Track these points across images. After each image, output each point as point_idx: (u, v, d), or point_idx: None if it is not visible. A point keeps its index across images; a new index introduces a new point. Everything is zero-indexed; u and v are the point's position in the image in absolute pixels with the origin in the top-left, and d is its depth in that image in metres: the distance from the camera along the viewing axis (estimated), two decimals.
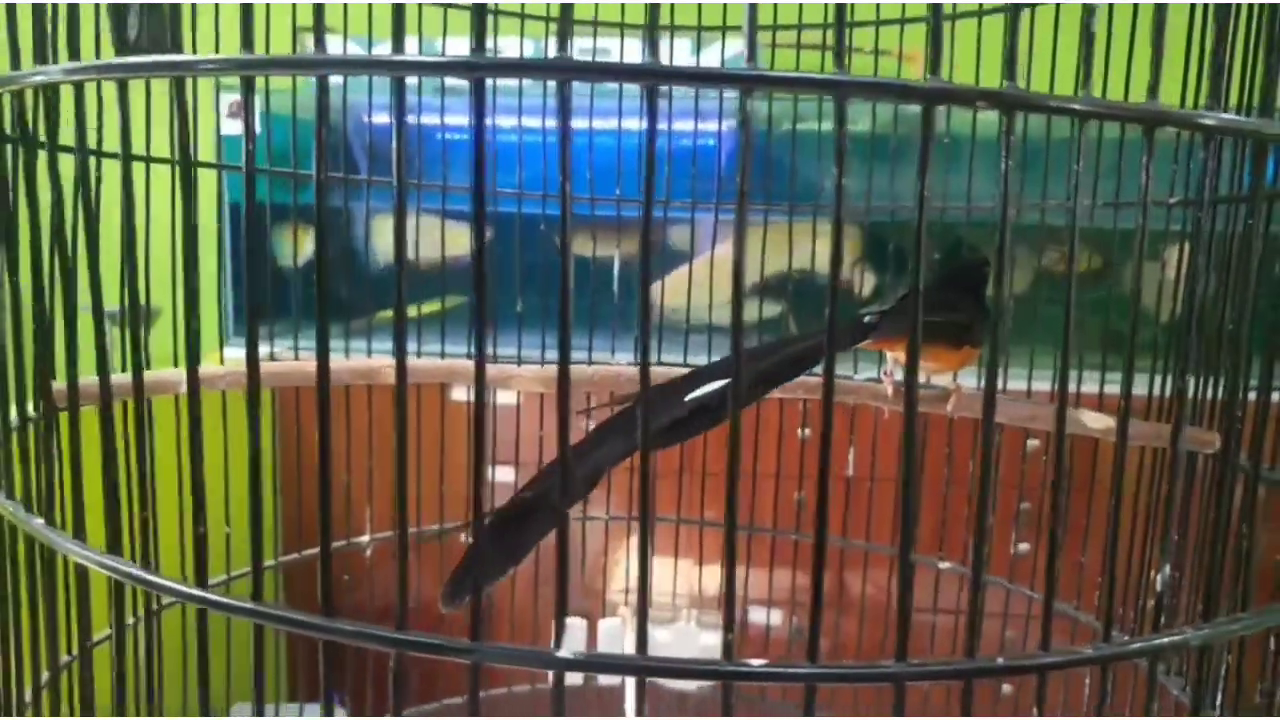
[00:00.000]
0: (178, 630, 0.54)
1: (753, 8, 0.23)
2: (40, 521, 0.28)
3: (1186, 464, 0.49)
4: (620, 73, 0.23)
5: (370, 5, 0.78)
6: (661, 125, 0.90)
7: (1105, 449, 0.50)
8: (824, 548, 0.23)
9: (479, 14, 0.23)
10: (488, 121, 0.84)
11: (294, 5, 0.71)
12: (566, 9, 0.22)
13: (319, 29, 0.23)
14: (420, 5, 0.76)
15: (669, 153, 0.86)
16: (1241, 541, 0.29)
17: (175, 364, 0.66)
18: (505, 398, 1.00)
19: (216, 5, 0.68)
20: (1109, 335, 0.67)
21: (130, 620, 0.53)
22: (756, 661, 0.22)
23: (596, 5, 0.81)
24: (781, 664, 0.23)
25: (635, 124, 0.88)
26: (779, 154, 0.93)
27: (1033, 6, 0.61)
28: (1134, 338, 0.25)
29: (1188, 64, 0.57)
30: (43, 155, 0.30)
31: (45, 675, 0.33)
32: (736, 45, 0.93)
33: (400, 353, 0.23)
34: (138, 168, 0.63)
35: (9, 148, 0.31)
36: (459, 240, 0.84)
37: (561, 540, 0.23)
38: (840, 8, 0.22)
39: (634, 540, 0.95)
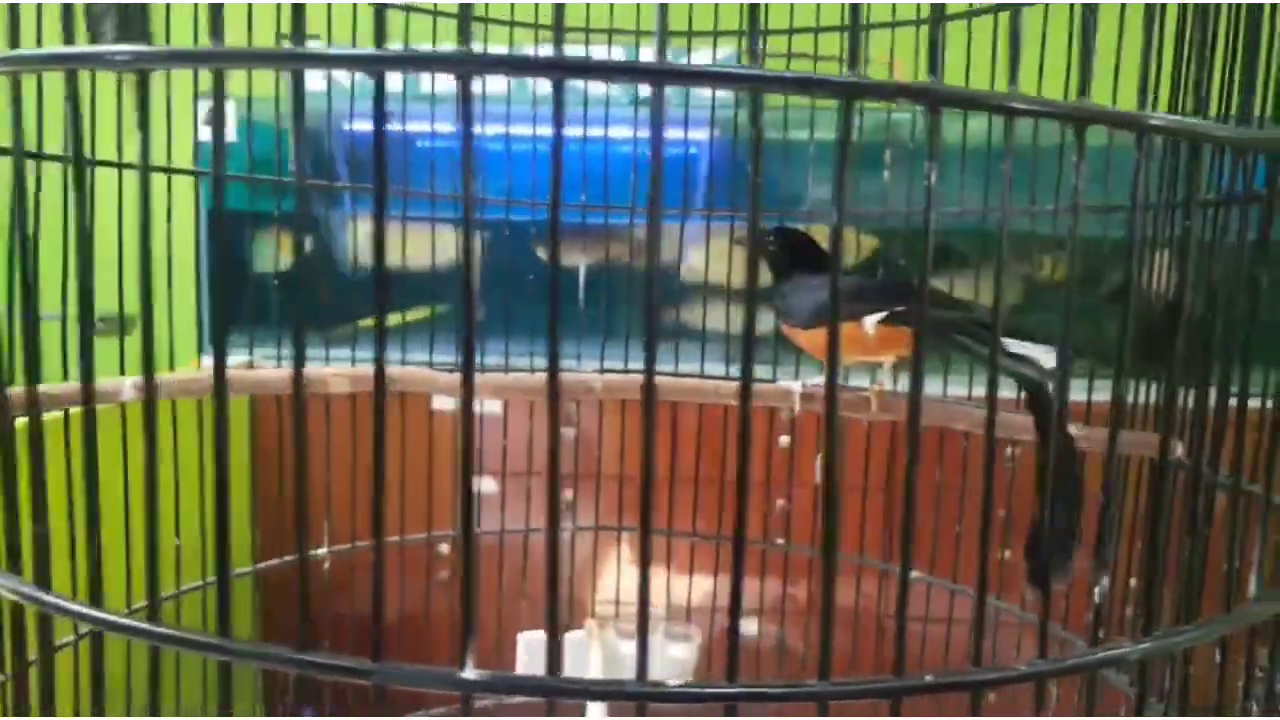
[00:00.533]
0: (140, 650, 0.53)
1: (663, 8, 0.22)
2: None
3: (1160, 474, 0.48)
4: (526, 66, 0.22)
5: (332, 4, 0.77)
6: (640, 133, 0.89)
7: (1091, 459, 0.48)
8: (743, 553, 0.22)
9: (379, 12, 0.23)
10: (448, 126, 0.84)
11: (248, 5, 0.70)
12: (465, 9, 0.22)
13: (216, 25, 0.22)
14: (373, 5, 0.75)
15: (634, 160, 0.86)
16: (1186, 550, 0.28)
17: (172, 369, 0.64)
18: (490, 407, 0.99)
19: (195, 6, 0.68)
20: (1091, 344, 0.66)
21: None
22: (672, 682, 0.21)
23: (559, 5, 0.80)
24: (700, 684, 0.22)
25: (601, 132, 0.88)
26: (769, 161, 0.93)
27: (1016, 7, 0.60)
28: (1068, 341, 0.24)
29: (1151, 67, 0.56)
30: None
31: None
32: (722, 51, 0.92)
33: (299, 360, 0.22)
34: (105, 174, 0.62)
35: None
36: (429, 247, 0.84)
37: (467, 553, 0.22)
38: (753, 8, 0.22)
39: (622, 550, 0.94)
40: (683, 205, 0.98)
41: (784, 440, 1.03)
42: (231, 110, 1.26)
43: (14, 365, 0.30)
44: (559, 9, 0.24)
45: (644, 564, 0.21)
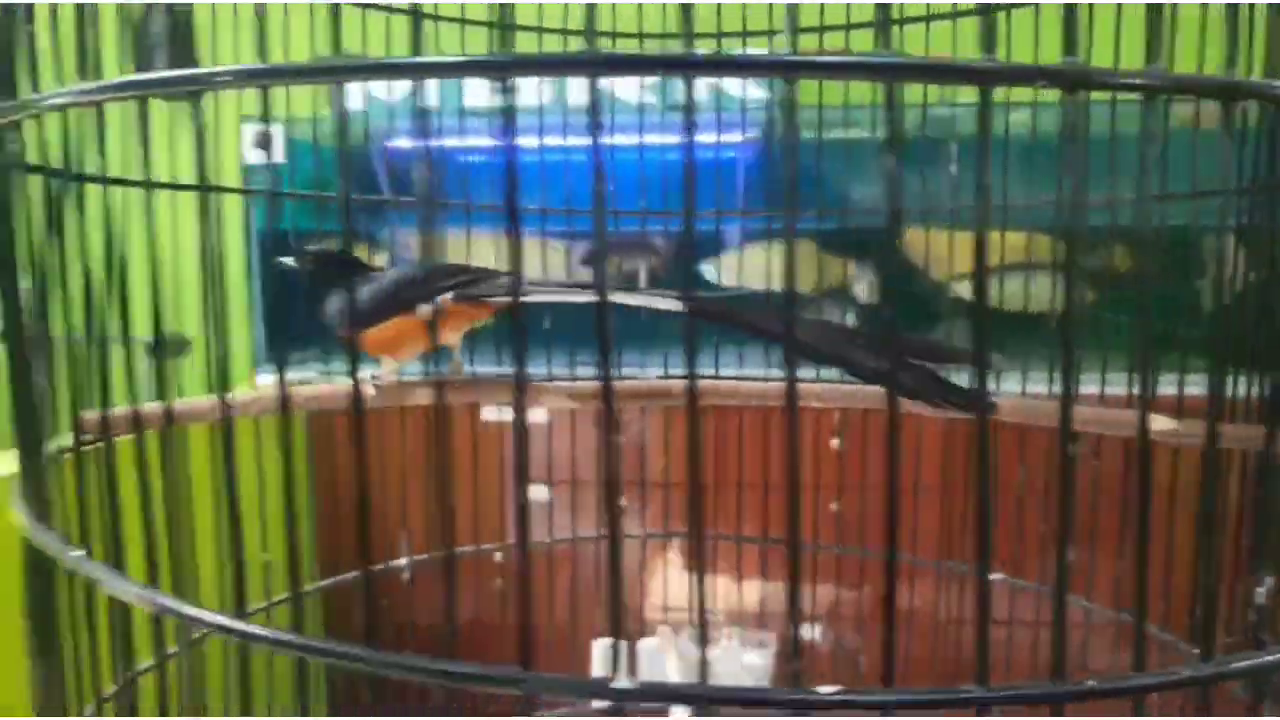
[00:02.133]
0: (218, 657, 0.53)
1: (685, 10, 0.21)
2: (80, 554, 0.27)
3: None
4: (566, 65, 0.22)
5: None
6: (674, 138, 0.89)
7: (1185, 455, 0.47)
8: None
9: (417, 21, 0.23)
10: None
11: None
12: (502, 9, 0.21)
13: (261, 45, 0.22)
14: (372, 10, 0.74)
15: (663, 165, 0.86)
16: None
17: (212, 389, 0.65)
18: (535, 415, 0.99)
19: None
20: (1167, 335, 0.64)
21: (171, 649, 0.52)
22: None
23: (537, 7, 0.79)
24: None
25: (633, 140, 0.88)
26: (806, 162, 0.92)
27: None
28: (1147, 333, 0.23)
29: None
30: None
31: (89, 706, 0.33)
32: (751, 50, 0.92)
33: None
34: (162, 194, 0.63)
35: (31, 178, 0.31)
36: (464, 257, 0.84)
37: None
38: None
39: (671, 556, 0.93)
40: (717, 208, 0.97)
41: (834, 443, 1.02)
42: (280, 132, 1.28)
43: (91, 387, 0.30)
44: (590, 10, 0.24)
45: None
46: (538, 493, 0.98)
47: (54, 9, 0.29)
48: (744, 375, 0.77)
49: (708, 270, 1.29)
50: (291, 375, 0.82)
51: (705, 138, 0.93)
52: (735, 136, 1.05)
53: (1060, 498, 0.23)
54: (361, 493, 0.22)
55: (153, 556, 0.25)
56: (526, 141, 0.85)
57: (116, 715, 0.34)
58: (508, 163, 0.22)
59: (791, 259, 0.21)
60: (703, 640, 0.22)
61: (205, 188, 0.24)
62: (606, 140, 0.86)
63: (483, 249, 0.82)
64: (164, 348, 0.29)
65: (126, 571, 0.27)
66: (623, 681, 0.21)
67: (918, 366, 0.44)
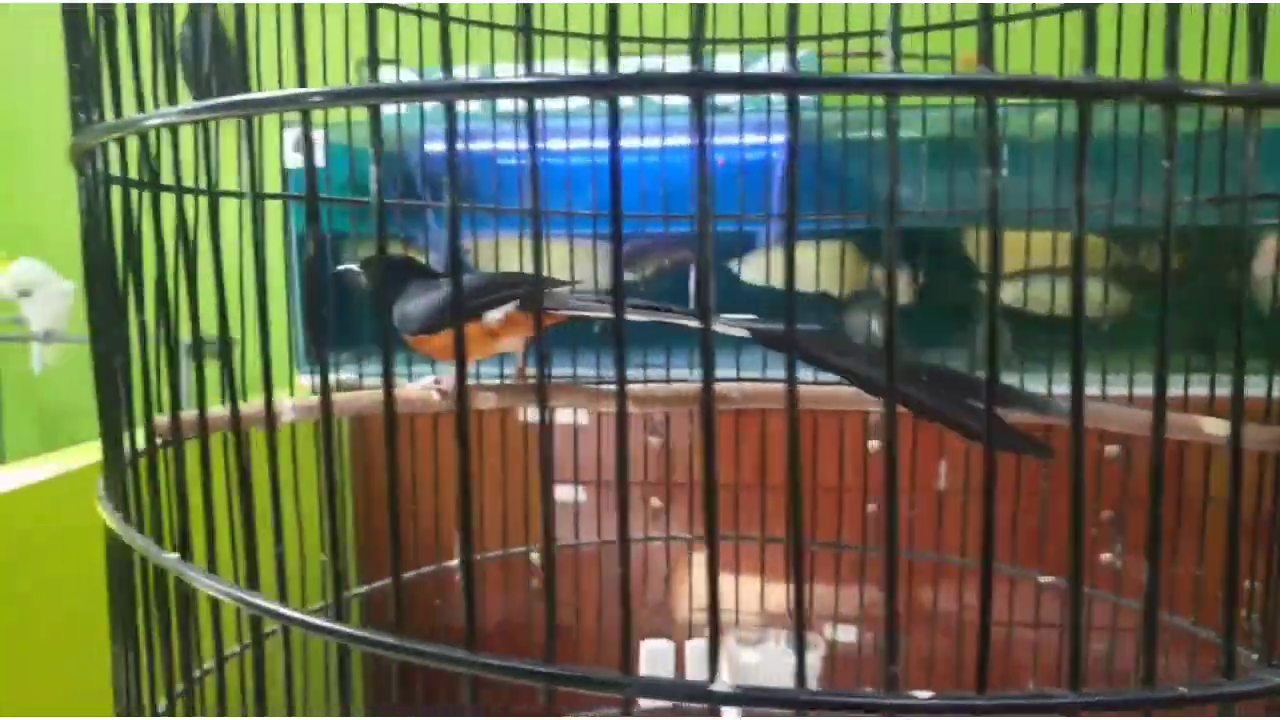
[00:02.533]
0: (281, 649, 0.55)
1: (793, 8, 0.22)
2: (174, 557, 0.28)
3: None
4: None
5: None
6: (728, 140, 0.89)
7: (1223, 456, 0.46)
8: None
9: (528, 36, 0.23)
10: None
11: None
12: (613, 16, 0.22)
13: (374, 62, 0.23)
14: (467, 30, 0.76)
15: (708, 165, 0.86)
16: None
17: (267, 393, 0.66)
18: (580, 419, 1.00)
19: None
20: (1206, 336, 0.63)
21: (233, 648, 0.54)
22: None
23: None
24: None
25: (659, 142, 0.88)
26: (831, 162, 0.92)
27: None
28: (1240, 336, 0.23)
29: None
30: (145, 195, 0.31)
31: (178, 687, 0.34)
32: (780, 60, 0.92)
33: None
34: (228, 204, 0.64)
35: (132, 191, 0.32)
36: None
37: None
38: (896, 8, 0.21)
39: (700, 558, 0.94)
40: (763, 211, 0.97)
41: (874, 445, 1.02)
42: (320, 137, 1.30)
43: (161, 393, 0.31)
44: (697, 12, 0.24)
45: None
46: (580, 495, 0.99)
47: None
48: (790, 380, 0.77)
49: (738, 267, 1.29)
50: (334, 378, 0.83)
51: (752, 139, 0.93)
52: (775, 136, 1.04)
53: (1151, 505, 0.23)
54: (464, 493, 0.23)
55: (251, 557, 0.26)
56: (556, 144, 0.85)
57: (189, 709, 0.35)
58: (612, 174, 0.22)
59: (892, 304, 0.21)
60: (799, 645, 0.22)
61: (317, 199, 0.25)
62: (641, 143, 0.86)
63: (518, 253, 0.83)
64: (205, 350, 0.30)
65: (207, 568, 0.28)
66: (722, 685, 0.21)
67: (982, 410, 0.42)
